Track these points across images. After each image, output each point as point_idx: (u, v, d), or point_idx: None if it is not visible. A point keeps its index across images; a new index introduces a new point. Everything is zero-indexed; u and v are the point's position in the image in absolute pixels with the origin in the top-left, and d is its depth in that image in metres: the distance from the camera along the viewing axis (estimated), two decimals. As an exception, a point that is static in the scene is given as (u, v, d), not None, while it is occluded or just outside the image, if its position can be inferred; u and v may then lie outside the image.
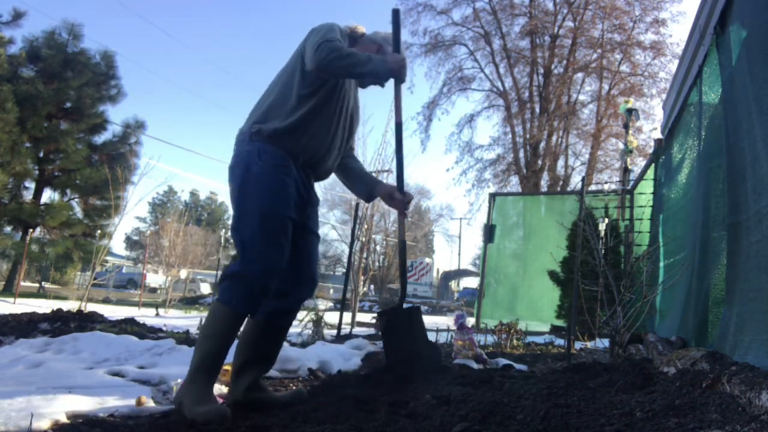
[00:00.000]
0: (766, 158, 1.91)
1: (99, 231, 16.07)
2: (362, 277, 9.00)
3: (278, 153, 1.98)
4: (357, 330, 6.49)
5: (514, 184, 20.58)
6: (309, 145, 2.04)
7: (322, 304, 12.60)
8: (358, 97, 2.33)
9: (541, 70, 20.36)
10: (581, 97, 20.50)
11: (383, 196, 2.28)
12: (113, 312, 7.59)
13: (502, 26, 20.58)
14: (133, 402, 2.00)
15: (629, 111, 6.77)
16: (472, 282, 36.57)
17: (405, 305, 2.37)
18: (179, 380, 2.28)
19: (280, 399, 2.05)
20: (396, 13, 2.22)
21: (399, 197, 2.26)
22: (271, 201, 1.93)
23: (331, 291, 29.29)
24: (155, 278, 26.39)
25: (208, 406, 1.72)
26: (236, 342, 2.07)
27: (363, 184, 2.33)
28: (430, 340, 2.41)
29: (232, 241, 2.10)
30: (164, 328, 5.26)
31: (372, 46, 2.22)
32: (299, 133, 2.00)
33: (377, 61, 2.00)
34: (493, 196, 8.91)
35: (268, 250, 1.90)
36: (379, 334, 2.16)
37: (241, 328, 2.03)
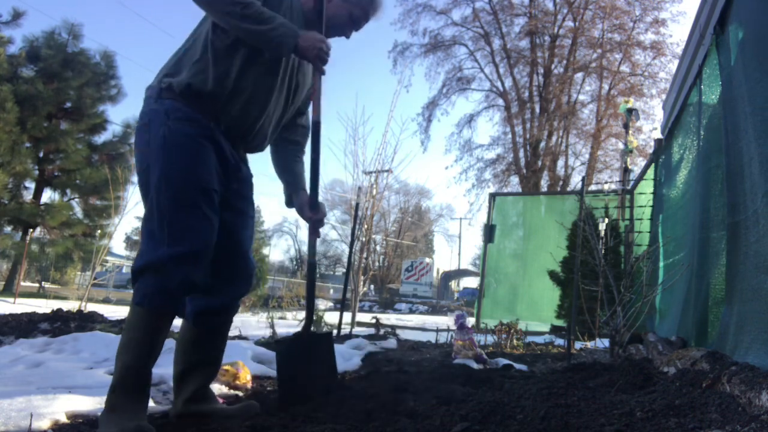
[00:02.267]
0: (759, 158, 1.91)
1: (99, 231, 16.06)
2: (362, 277, 8.99)
3: (191, 112, 1.60)
4: (357, 330, 6.49)
5: (514, 184, 20.62)
6: (233, 108, 1.67)
7: (322, 304, 12.61)
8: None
9: (541, 70, 20.39)
10: (581, 97, 20.55)
11: (297, 209, 1.93)
12: (113, 312, 7.58)
13: (501, 26, 20.63)
14: (133, 402, 2.00)
15: (629, 111, 6.77)
16: (472, 282, 36.60)
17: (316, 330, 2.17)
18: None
19: (228, 412, 1.77)
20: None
21: (308, 214, 1.89)
22: (184, 168, 1.55)
23: (331, 291, 29.29)
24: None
25: (123, 426, 1.39)
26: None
27: (285, 185, 1.97)
28: (334, 369, 2.09)
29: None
30: (164, 328, 5.25)
31: (344, 6, 1.85)
32: (220, 92, 1.63)
33: (283, 29, 1.59)
34: (493, 196, 8.92)
35: (183, 231, 1.52)
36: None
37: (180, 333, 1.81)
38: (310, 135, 1.91)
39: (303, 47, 1.63)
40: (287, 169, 1.97)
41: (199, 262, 1.54)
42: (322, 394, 1.93)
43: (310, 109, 1.91)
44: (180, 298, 1.55)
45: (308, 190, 1.90)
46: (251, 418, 1.75)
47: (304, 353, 2.00)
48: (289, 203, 1.97)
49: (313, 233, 1.94)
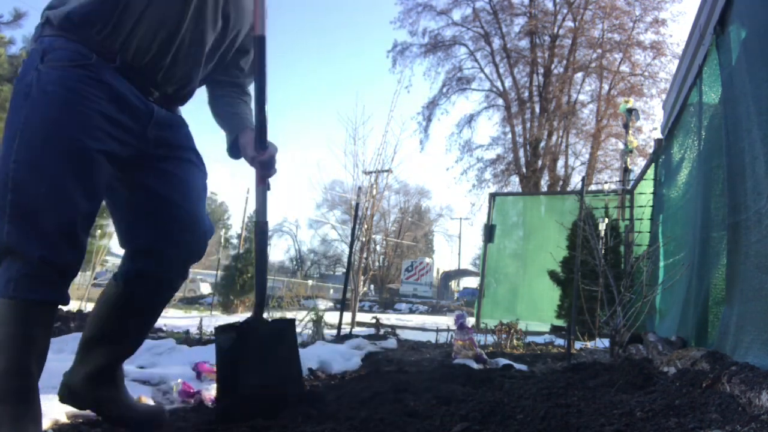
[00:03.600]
0: (764, 158, 1.91)
1: (99, 231, 16.05)
2: (362, 277, 9.00)
3: (72, 49, 1.28)
4: (357, 330, 6.49)
5: (514, 184, 20.63)
6: (130, 39, 1.33)
7: (322, 304, 12.61)
8: None
9: (541, 70, 20.40)
10: (581, 97, 20.56)
11: (242, 151, 1.60)
12: (113, 312, 7.59)
13: (501, 26, 20.63)
14: (133, 402, 2.00)
15: (629, 111, 6.77)
16: (472, 282, 36.58)
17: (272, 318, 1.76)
18: (180, 380, 2.28)
19: (133, 410, 1.54)
20: None
21: (251, 153, 1.56)
22: (46, 126, 1.23)
23: (331, 291, 29.30)
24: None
25: None
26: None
27: (228, 130, 1.64)
28: (296, 372, 1.72)
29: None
30: (164, 328, 5.26)
31: None
32: (106, 17, 1.30)
33: None
34: (493, 196, 8.92)
35: (42, 201, 1.21)
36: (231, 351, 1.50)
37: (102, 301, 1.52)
38: (254, 52, 1.57)
39: None
40: (227, 112, 1.65)
41: (71, 238, 1.25)
42: (277, 406, 1.58)
43: None
44: (51, 282, 1.23)
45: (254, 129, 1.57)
46: (248, 420, 1.74)
47: (255, 349, 1.59)
48: (233, 148, 1.62)
49: (261, 182, 1.60)
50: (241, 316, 9.46)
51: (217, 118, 1.68)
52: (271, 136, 1.61)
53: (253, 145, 1.56)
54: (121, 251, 1.55)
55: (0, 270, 1.23)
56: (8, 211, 1.21)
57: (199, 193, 1.56)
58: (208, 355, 2.98)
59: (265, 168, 1.58)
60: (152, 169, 1.46)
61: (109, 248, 12.99)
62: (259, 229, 1.63)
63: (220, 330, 1.66)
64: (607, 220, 5.61)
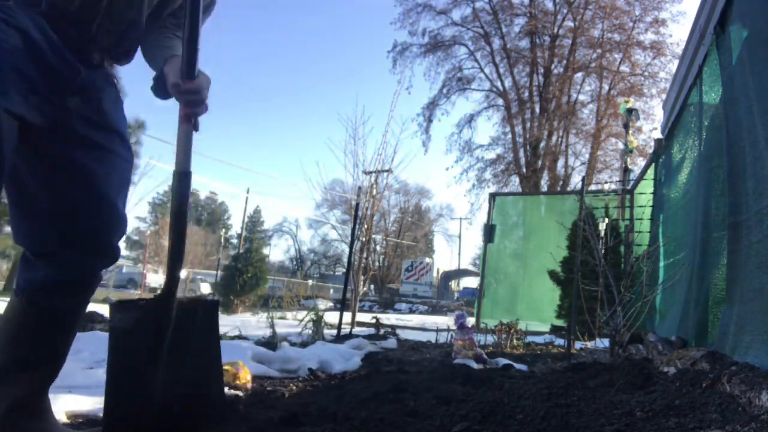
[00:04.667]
0: None
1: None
2: (362, 277, 9.00)
3: None
4: (357, 330, 6.49)
5: (514, 184, 20.62)
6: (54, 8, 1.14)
7: (322, 304, 12.60)
8: None
9: (541, 70, 20.39)
10: (581, 97, 20.55)
11: (166, 80, 1.29)
12: (113, 312, 7.57)
13: (501, 26, 20.62)
14: (133, 402, 2.00)
15: (629, 111, 6.77)
16: (472, 282, 36.57)
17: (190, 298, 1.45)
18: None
19: None
20: None
21: (173, 80, 1.26)
22: None
23: (331, 291, 29.30)
24: (155, 278, 26.41)
25: None
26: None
27: (154, 62, 1.37)
28: (213, 376, 1.34)
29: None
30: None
31: None
32: None
33: None
34: (493, 196, 8.92)
35: None
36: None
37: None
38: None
39: None
40: (155, 47, 1.38)
41: None
42: (193, 425, 1.23)
43: None
44: None
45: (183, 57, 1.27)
46: (248, 419, 1.75)
47: (155, 339, 1.21)
48: (158, 83, 1.33)
49: (186, 120, 1.30)
50: (241, 316, 9.42)
51: (147, 60, 1.41)
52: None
53: (177, 72, 1.26)
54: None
55: None
56: None
57: (119, 186, 1.33)
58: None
59: (190, 101, 1.29)
60: (65, 153, 1.21)
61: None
62: (179, 181, 1.29)
63: (118, 308, 1.30)
64: (607, 220, 5.62)
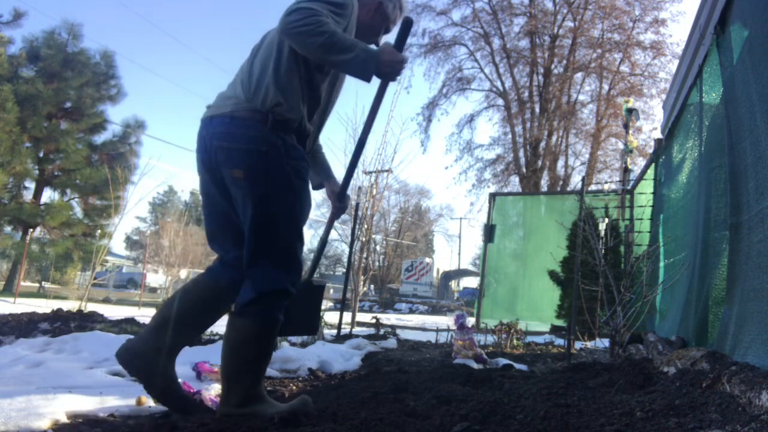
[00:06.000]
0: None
1: (99, 231, 16.06)
2: (362, 277, 9.00)
3: (283, 137, 1.76)
4: (357, 330, 6.49)
5: (514, 184, 20.61)
6: (307, 134, 1.87)
7: (322, 304, 12.54)
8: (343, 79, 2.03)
9: (541, 70, 20.37)
10: (581, 97, 20.53)
11: (327, 194, 2.18)
12: (113, 312, 7.58)
13: (501, 26, 20.60)
14: (133, 402, 2.00)
15: (629, 111, 6.76)
16: (472, 282, 36.57)
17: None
18: (180, 380, 2.28)
19: (185, 396, 1.88)
20: (407, 23, 1.84)
21: (334, 202, 2.14)
22: (300, 193, 1.78)
23: (331, 291, 29.29)
24: (155, 278, 26.39)
25: (282, 404, 1.73)
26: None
27: (316, 174, 2.16)
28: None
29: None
30: (164, 328, 5.25)
31: (372, 4, 1.93)
32: (298, 119, 1.80)
33: (364, 54, 1.63)
34: (493, 196, 8.92)
35: (300, 252, 1.82)
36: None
37: (176, 303, 1.83)
38: (355, 147, 2.03)
39: (385, 69, 1.68)
40: (317, 164, 2.16)
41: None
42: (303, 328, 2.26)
43: None
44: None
45: (340, 182, 2.14)
46: (248, 420, 1.74)
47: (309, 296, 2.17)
48: (318, 187, 2.19)
49: (332, 218, 2.23)
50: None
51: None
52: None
53: (337, 196, 2.12)
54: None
55: (271, 303, 1.71)
56: (294, 265, 1.79)
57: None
58: (208, 355, 2.98)
59: (339, 213, 2.17)
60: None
61: (109, 248, 12.98)
62: (321, 246, 2.37)
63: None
64: (607, 220, 5.62)
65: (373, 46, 1.75)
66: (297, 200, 1.76)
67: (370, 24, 1.95)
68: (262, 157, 1.70)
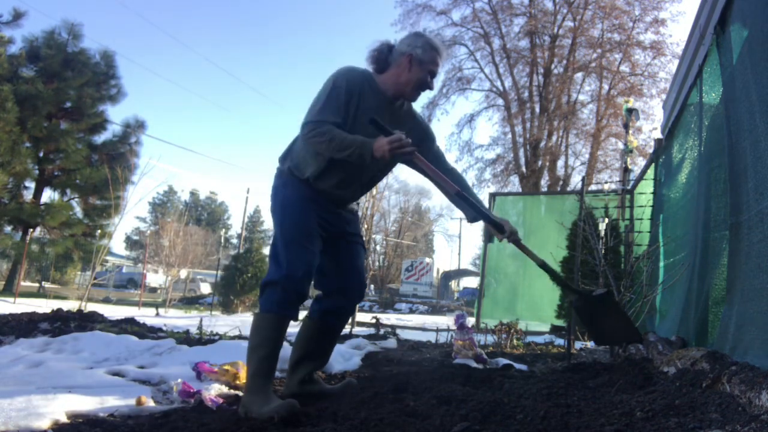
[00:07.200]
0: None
1: (99, 231, 16.06)
2: (362, 277, 8.98)
3: (300, 185, 2.18)
4: (357, 330, 6.48)
5: (514, 184, 20.61)
6: (330, 192, 2.20)
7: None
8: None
9: (541, 70, 20.38)
10: (581, 97, 20.54)
11: (495, 235, 2.43)
12: (113, 312, 7.58)
13: (501, 26, 20.61)
14: (133, 402, 2.00)
15: (629, 111, 6.76)
16: (472, 282, 36.57)
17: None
18: (180, 380, 2.28)
19: (332, 390, 2.27)
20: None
21: (500, 238, 2.42)
22: (293, 216, 2.14)
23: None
24: (155, 278, 26.40)
25: (274, 403, 1.81)
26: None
27: (468, 207, 2.41)
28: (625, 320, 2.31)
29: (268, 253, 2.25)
30: (164, 328, 5.26)
31: (403, 59, 2.17)
32: (321, 182, 2.19)
33: (359, 149, 2.02)
34: (493, 196, 8.92)
35: (295, 258, 2.06)
36: None
37: (300, 330, 2.29)
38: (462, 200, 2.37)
39: (377, 156, 2.01)
40: (463, 192, 2.37)
41: (307, 278, 2.11)
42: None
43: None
44: (296, 305, 2.09)
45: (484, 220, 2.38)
46: (248, 420, 1.75)
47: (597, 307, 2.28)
48: (473, 220, 2.44)
49: (519, 246, 2.44)
50: (241, 315, 9.44)
51: (450, 200, 2.48)
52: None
53: (498, 232, 2.38)
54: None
55: (263, 297, 2.04)
56: (284, 263, 2.05)
57: (362, 259, 2.41)
58: (208, 355, 2.98)
59: (514, 239, 2.40)
60: (344, 244, 2.31)
61: (109, 248, 12.99)
62: (544, 266, 2.48)
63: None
64: (607, 220, 5.61)
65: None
66: (279, 214, 2.17)
67: (413, 78, 2.16)
68: (271, 197, 2.27)
